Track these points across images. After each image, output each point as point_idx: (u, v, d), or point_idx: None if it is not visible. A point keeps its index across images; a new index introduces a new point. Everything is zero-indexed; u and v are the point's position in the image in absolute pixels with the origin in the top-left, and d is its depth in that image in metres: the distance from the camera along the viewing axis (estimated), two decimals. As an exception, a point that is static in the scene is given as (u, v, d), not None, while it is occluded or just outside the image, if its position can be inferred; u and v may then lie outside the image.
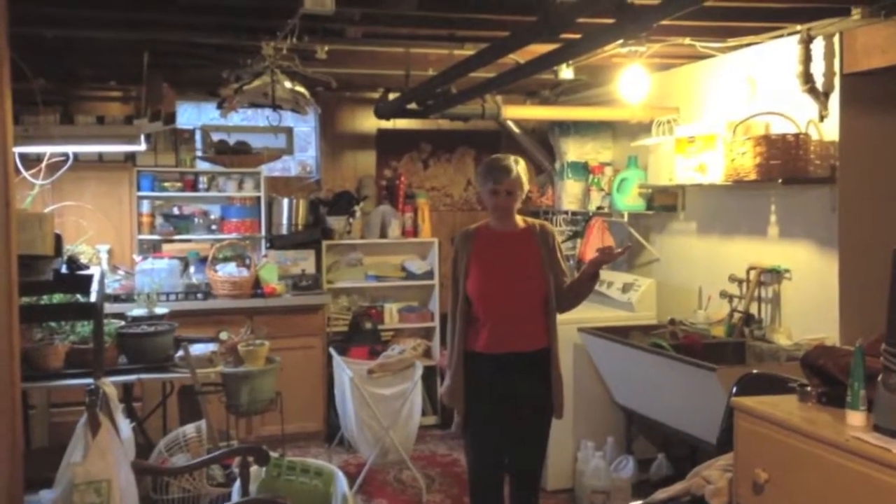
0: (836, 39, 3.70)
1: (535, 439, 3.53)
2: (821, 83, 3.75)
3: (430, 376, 5.68)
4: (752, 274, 4.19)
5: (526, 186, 3.49)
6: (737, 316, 4.23)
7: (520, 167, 3.46)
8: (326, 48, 3.88)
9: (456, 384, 3.46)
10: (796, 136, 3.74)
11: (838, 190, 3.75)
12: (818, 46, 3.75)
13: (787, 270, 4.06)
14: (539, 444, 3.55)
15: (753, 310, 4.20)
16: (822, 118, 3.79)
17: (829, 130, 3.78)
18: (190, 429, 3.72)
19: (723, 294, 4.37)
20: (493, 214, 3.52)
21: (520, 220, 3.52)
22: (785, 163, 3.70)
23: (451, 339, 3.53)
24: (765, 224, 4.22)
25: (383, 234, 6.00)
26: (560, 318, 4.12)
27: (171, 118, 4.81)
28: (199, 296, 5.32)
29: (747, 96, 4.25)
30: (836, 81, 3.72)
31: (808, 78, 3.74)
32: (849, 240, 3.77)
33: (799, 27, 3.75)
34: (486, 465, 3.50)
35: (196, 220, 5.71)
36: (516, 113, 5.34)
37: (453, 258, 3.55)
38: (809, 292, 3.94)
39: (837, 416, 2.18)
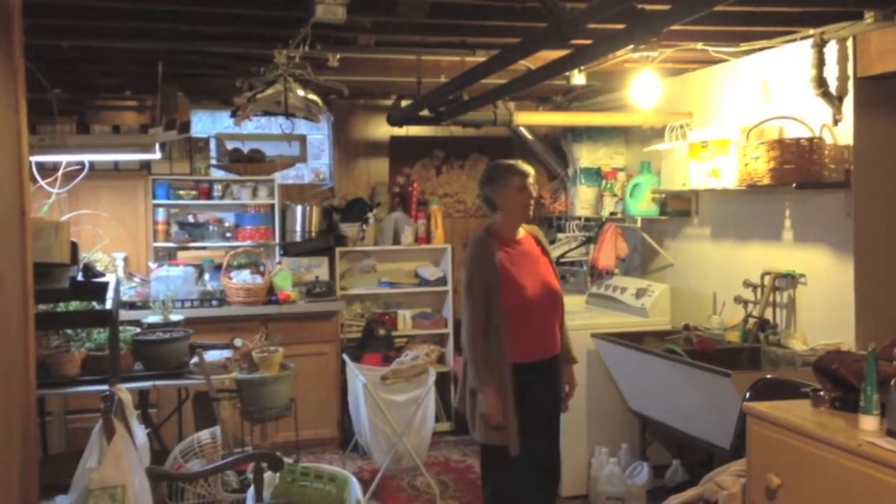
0: (850, 43, 3.68)
1: (558, 437, 3.65)
2: (834, 87, 3.73)
3: (443, 382, 5.68)
4: (767, 279, 4.17)
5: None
6: (751, 321, 4.20)
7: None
8: (338, 56, 3.90)
9: (508, 401, 3.34)
10: (810, 140, 3.73)
11: (853, 194, 3.73)
12: (831, 50, 3.73)
13: (801, 275, 4.04)
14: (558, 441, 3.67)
15: (768, 315, 4.18)
16: (836, 122, 3.77)
17: (844, 134, 3.76)
18: (205, 435, 3.74)
19: (737, 299, 4.35)
20: (518, 215, 3.49)
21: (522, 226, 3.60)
22: (799, 167, 3.68)
23: (478, 351, 3.37)
24: (779, 229, 4.20)
25: (396, 241, 6.01)
26: (573, 323, 4.16)
27: (185, 127, 4.85)
28: (214, 303, 5.35)
29: (761, 101, 4.24)
30: (850, 85, 3.70)
31: (821, 82, 3.73)
32: (864, 244, 3.74)
33: (812, 31, 3.73)
34: (528, 477, 3.46)
35: (211, 227, 5.75)
36: (528, 119, 5.35)
37: (476, 269, 3.39)
38: (825, 297, 3.91)
39: (850, 420, 2.17)
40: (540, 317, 3.47)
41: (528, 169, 3.54)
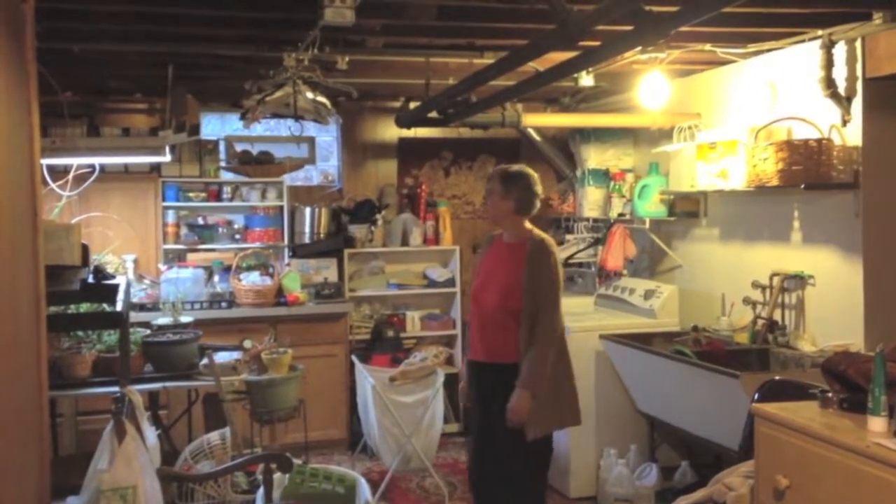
0: (858, 44, 3.68)
1: (496, 455, 3.54)
2: (843, 88, 3.73)
3: (451, 384, 5.67)
4: (776, 280, 4.16)
5: (511, 191, 3.54)
6: (760, 322, 4.19)
7: (509, 172, 3.58)
8: (347, 59, 3.92)
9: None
10: (819, 141, 3.72)
11: (862, 195, 3.72)
12: (840, 51, 3.73)
13: (810, 276, 4.03)
14: (499, 461, 3.52)
15: (777, 316, 4.17)
16: (844, 123, 3.76)
17: (852, 135, 3.76)
18: (214, 436, 3.76)
19: (746, 301, 4.33)
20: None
21: (528, 232, 3.59)
22: (807, 168, 3.68)
23: None
24: (788, 230, 4.19)
25: (405, 243, 6.03)
26: (581, 324, 4.10)
27: (195, 129, 4.87)
28: (224, 304, 5.37)
29: (769, 102, 4.24)
30: (859, 86, 3.70)
31: (830, 83, 3.72)
32: (873, 245, 3.73)
33: (820, 32, 3.73)
34: (472, 464, 3.75)
35: (220, 229, 5.77)
36: (536, 120, 5.35)
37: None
38: (833, 298, 3.90)
39: (858, 422, 2.17)
40: (481, 321, 3.59)
41: (491, 173, 3.70)
